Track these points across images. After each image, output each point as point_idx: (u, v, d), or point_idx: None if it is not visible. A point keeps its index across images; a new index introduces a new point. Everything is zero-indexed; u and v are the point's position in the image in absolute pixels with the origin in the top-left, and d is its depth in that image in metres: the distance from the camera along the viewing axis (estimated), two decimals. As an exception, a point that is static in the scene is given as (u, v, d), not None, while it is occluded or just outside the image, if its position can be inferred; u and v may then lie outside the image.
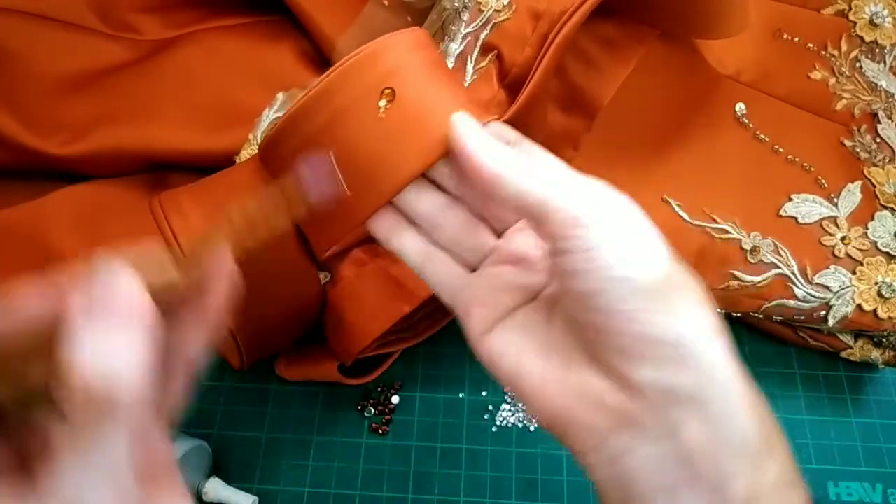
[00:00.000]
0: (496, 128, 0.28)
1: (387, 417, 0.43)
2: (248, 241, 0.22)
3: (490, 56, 0.36)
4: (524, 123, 0.32)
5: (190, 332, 0.22)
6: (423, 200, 0.28)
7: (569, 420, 0.23)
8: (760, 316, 0.42)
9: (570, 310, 0.24)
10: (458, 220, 0.28)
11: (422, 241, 0.28)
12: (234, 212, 0.22)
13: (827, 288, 0.40)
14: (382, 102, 0.26)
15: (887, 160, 0.44)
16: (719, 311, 0.42)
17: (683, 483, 0.21)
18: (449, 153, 0.26)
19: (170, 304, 0.20)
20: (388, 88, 0.26)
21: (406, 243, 0.28)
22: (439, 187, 0.28)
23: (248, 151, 0.42)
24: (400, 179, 0.26)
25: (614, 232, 0.22)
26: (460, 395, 0.44)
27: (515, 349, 0.25)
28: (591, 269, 0.22)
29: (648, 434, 0.22)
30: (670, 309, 0.21)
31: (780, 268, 0.40)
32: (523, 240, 0.27)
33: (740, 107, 0.44)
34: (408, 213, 0.28)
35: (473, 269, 0.29)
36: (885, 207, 0.42)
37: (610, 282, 0.22)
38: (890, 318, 0.40)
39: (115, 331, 0.17)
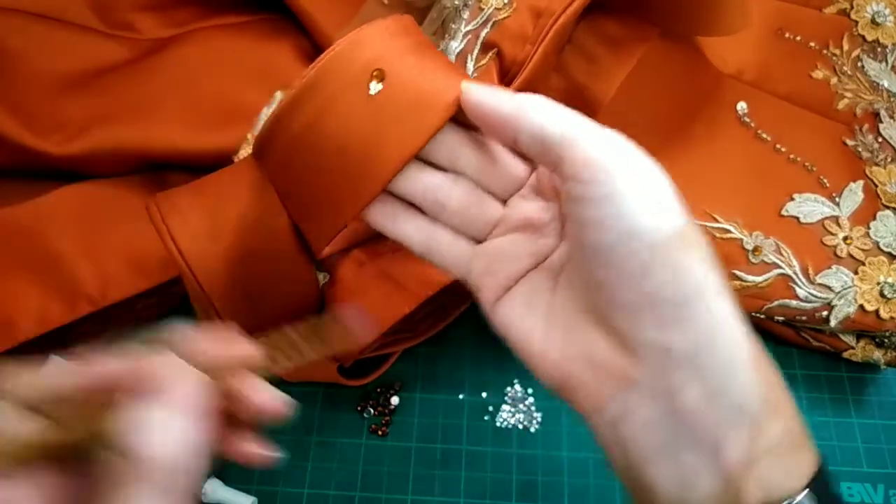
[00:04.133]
0: None
1: (386, 418, 0.43)
2: (287, 363, 0.25)
3: (491, 54, 0.36)
4: None
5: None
6: (424, 181, 0.27)
7: (571, 384, 0.24)
8: (762, 316, 0.42)
9: (579, 266, 0.24)
10: (461, 195, 0.27)
11: (423, 224, 0.28)
12: (278, 337, 0.25)
13: (829, 288, 0.40)
14: (373, 84, 0.26)
15: (889, 160, 0.44)
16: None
17: (682, 445, 0.22)
18: (458, 113, 0.26)
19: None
20: (376, 70, 0.26)
21: (408, 229, 0.28)
22: (437, 168, 0.27)
23: (246, 150, 0.42)
24: (398, 158, 0.26)
25: (632, 182, 0.22)
26: (460, 397, 0.44)
27: (521, 316, 0.26)
28: (606, 218, 0.22)
29: (646, 395, 0.22)
30: (679, 266, 0.21)
31: (781, 268, 0.40)
32: (528, 205, 0.27)
33: (742, 106, 0.44)
34: (408, 196, 0.28)
35: (481, 241, 0.28)
36: (887, 207, 0.42)
37: (622, 234, 0.21)
38: (892, 318, 0.40)
39: (171, 416, 0.20)
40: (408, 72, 0.26)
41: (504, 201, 0.28)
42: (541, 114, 0.23)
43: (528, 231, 0.27)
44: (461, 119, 0.27)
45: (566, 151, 0.22)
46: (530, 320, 0.25)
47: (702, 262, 0.21)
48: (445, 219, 0.28)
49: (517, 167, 0.27)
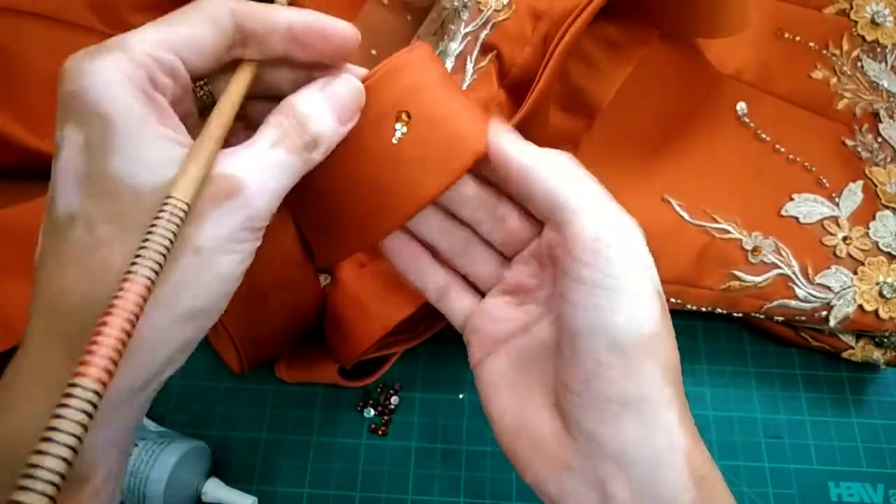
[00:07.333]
0: None
1: (386, 418, 0.43)
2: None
3: (490, 56, 0.36)
4: (528, 127, 0.31)
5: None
6: (443, 228, 0.28)
7: (517, 457, 0.25)
8: (762, 316, 0.42)
9: (551, 339, 0.25)
10: (479, 251, 0.28)
11: (441, 278, 0.29)
12: None
13: (828, 288, 0.40)
14: (399, 125, 0.26)
15: (889, 160, 0.44)
16: (721, 311, 0.42)
17: None
18: (476, 162, 0.26)
19: None
20: (404, 111, 0.26)
21: (427, 282, 0.29)
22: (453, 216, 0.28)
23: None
24: (416, 202, 0.26)
25: (624, 279, 0.22)
26: (460, 396, 0.44)
27: (493, 380, 0.27)
28: (583, 306, 0.23)
29: (580, 482, 0.23)
30: (632, 373, 0.22)
31: (781, 268, 0.40)
32: (523, 269, 0.27)
33: (741, 106, 0.44)
34: (425, 240, 0.29)
35: (485, 294, 0.29)
36: (887, 207, 0.42)
37: (589, 325, 0.22)
38: (891, 318, 0.40)
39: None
40: (435, 115, 0.26)
41: (509, 260, 0.28)
42: (559, 175, 0.24)
43: (518, 295, 0.27)
44: (475, 169, 0.27)
45: (573, 225, 0.23)
46: (496, 388, 0.27)
47: (655, 372, 0.22)
48: (458, 266, 0.29)
49: (523, 228, 0.27)
